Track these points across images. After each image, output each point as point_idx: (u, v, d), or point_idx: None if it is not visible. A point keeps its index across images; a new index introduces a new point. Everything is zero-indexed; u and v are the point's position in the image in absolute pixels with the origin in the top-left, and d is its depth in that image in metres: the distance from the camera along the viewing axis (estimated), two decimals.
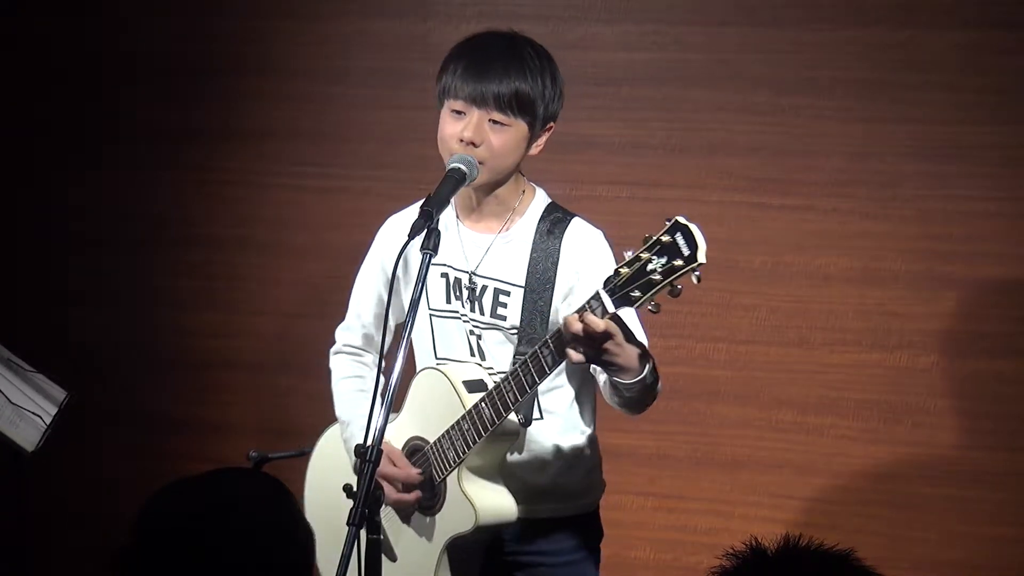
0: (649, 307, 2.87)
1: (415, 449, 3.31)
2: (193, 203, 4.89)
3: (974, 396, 4.24)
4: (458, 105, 3.20)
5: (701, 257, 2.81)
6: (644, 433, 4.34)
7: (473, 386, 3.22)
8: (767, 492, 4.38)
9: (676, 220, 2.84)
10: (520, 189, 3.31)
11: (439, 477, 3.25)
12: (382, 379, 2.97)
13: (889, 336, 4.28)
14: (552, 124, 3.28)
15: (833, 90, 4.29)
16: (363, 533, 2.88)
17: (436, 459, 3.25)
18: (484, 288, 3.28)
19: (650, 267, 2.84)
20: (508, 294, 3.26)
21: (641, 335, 3.15)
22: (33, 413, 3.84)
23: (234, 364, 4.88)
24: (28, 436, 3.80)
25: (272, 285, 4.83)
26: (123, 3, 4.93)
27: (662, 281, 2.83)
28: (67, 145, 4.97)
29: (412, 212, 3.31)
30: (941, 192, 4.22)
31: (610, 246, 3.28)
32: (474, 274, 3.29)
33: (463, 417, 3.18)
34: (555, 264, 3.23)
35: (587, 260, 3.24)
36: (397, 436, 3.34)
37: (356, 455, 2.92)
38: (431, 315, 3.35)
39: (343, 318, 3.52)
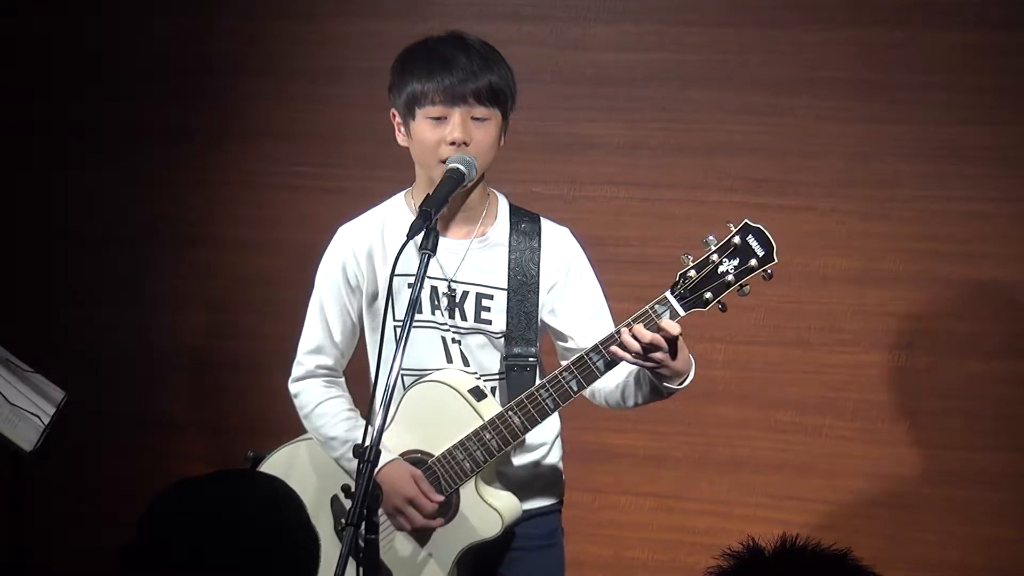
0: (719, 307, 3.04)
1: (415, 462, 3.29)
2: (193, 203, 4.89)
3: (973, 396, 4.24)
4: (435, 111, 3.21)
5: (776, 256, 2.99)
6: (642, 433, 4.34)
7: (476, 394, 3.24)
8: (766, 492, 4.38)
9: (746, 223, 3.02)
10: (487, 193, 3.33)
11: (448, 488, 3.24)
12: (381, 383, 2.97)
13: (888, 336, 4.28)
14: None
15: (833, 90, 4.29)
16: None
17: (445, 471, 3.24)
18: (465, 294, 3.28)
19: (722, 269, 3.01)
20: (491, 298, 3.27)
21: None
22: (32, 413, 3.84)
23: (233, 364, 4.88)
24: (26, 436, 3.81)
25: (271, 285, 4.82)
26: (123, 3, 4.93)
27: (735, 282, 3.00)
28: (67, 145, 4.97)
29: (364, 221, 3.37)
30: (940, 193, 4.22)
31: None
32: (453, 281, 3.29)
33: (484, 427, 3.18)
34: (537, 264, 3.27)
35: (568, 258, 3.31)
36: (390, 449, 3.31)
37: (355, 455, 2.91)
38: (396, 327, 3.27)
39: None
